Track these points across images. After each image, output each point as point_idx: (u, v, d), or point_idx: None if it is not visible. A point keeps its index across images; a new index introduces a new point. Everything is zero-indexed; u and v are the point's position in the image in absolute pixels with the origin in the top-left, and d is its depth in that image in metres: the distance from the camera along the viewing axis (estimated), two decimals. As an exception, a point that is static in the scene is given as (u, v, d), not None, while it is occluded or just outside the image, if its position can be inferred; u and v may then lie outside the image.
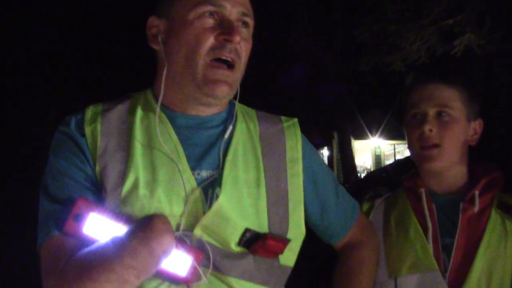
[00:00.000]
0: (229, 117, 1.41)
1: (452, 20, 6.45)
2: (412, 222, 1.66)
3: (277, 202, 1.35)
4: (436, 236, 1.61)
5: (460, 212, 1.62)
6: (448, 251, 1.58)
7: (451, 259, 1.57)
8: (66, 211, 1.16)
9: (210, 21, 1.28)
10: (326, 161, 23.59)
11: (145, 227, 1.08)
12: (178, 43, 1.30)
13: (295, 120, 1.51)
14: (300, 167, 1.43)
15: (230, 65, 1.28)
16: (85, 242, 1.14)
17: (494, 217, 1.62)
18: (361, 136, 19.64)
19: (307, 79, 14.79)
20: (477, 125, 1.71)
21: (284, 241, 1.32)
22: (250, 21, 1.34)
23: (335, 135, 18.71)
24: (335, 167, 20.71)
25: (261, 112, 1.51)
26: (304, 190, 1.43)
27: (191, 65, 1.27)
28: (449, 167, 1.67)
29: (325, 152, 24.38)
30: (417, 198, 1.69)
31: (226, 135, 1.37)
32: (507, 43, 6.28)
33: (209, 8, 1.28)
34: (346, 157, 15.31)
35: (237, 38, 1.26)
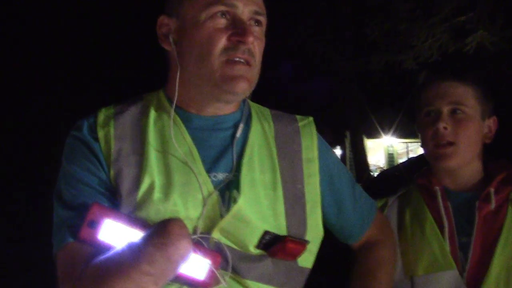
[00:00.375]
0: (243, 117, 1.39)
1: (464, 17, 6.41)
2: (428, 220, 1.65)
3: (295, 203, 1.34)
4: (453, 234, 1.60)
5: (476, 210, 1.60)
6: (465, 250, 1.57)
7: (469, 258, 1.56)
8: (80, 217, 1.14)
9: (222, 21, 1.27)
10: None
11: (161, 233, 1.06)
12: (190, 44, 1.28)
13: (311, 119, 1.49)
14: (316, 167, 1.41)
15: (246, 63, 1.27)
16: (101, 248, 1.12)
17: (511, 214, 1.61)
18: (373, 135, 19.54)
19: (318, 78, 14.76)
20: (491, 123, 1.70)
21: (303, 243, 1.30)
22: (263, 19, 1.33)
23: (348, 134, 18.62)
24: (348, 166, 20.60)
25: (276, 111, 1.49)
26: (321, 190, 1.41)
27: (206, 65, 1.26)
28: (464, 165, 1.66)
29: (337, 151, 24.29)
30: (432, 196, 1.68)
31: (241, 136, 1.35)
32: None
33: (221, 8, 1.26)
34: (358, 156, 15.24)
35: (250, 39, 1.25)
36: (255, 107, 1.46)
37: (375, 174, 17.01)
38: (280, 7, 10.78)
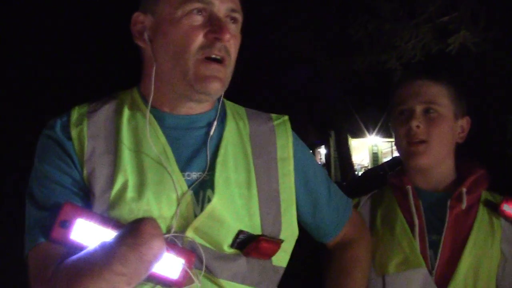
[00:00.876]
0: (218, 116, 1.39)
1: (447, 18, 6.45)
2: (399, 219, 1.66)
3: (269, 202, 1.34)
4: (423, 233, 1.62)
5: (447, 209, 1.62)
6: (435, 248, 1.59)
7: (438, 256, 1.58)
8: (52, 217, 1.13)
9: (198, 19, 1.26)
10: (323, 159, 23.60)
11: (134, 232, 1.05)
12: (166, 42, 1.27)
13: (286, 117, 1.49)
14: (291, 166, 1.41)
15: (220, 61, 1.26)
16: (73, 248, 1.11)
17: (481, 214, 1.63)
18: (358, 134, 19.67)
19: (303, 78, 14.79)
20: (464, 123, 1.72)
21: (277, 242, 1.30)
22: (239, 16, 1.32)
23: (332, 133, 18.71)
24: (332, 166, 20.72)
25: (251, 110, 1.49)
26: (296, 189, 1.41)
27: (181, 63, 1.25)
28: (436, 163, 1.67)
29: (322, 150, 24.40)
30: (404, 195, 1.69)
31: (216, 136, 1.35)
32: (501, 40, 6.29)
33: (197, 5, 1.25)
34: (343, 156, 15.34)
35: (226, 37, 1.25)
36: (230, 106, 1.46)
37: (360, 173, 17.11)
38: (265, 6, 10.79)
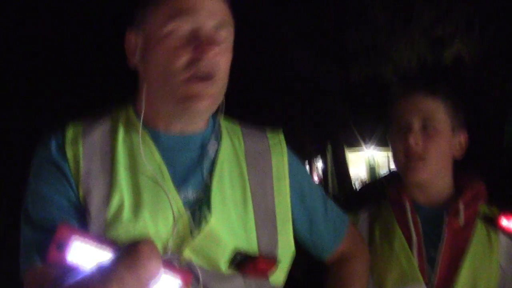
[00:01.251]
0: (213, 135, 1.38)
1: (442, 28, 6.50)
2: (397, 234, 1.65)
3: (265, 221, 1.34)
4: (421, 248, 1.60)
5: (445, 225, 1.62)
6: (433, 263, 1.57)
7: (436, 272, 1.56)
8: (48, 239, 1.11)
9: (183, 37, 1.24)
10: (320, 173, 23.56)
11: (131, 253, 1.02)
12: (153, 60, 1.26)
13: (282, 136, 1.48)
14: (287, 184, 1.41)
15: (208, 77, 1.23)
16: (70, 270, 1.09)
17: (479, 229, 1.61)
18: (355, 147, 19.68)
19: (299, 91, 14.83)
20: (461, 138, 1.70)
21: (275, 262, 1.30)
22: (227, 32, 1.29)
23: (329, 146, 18.72)
24: (329, 179, 20.69)
25: (246, 128, 1.47)
26: (292, 207, 1.41)
27: (168, 83, 1.24)
28: (434, 179, 1.66)
29: (319, 164, 24.38)
30: (402, 210, 1.68)
31: (211, 154, 1.34)
32: (495, 50, 6.34)
33: (182, 23, 1.24)
34: (340, 168, 15.32)
35: (210, 54, 1.22)
36: (225, 124, 1.44)
37: (357, 184, 17.10)
38: (261, 18, 10.85)
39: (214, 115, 1.37)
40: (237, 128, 1.44)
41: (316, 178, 23.78)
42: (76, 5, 10.54)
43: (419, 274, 1.56)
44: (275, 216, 1.35)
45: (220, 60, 1.25)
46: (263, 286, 1.29)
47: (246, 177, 1.34)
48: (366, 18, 7.24)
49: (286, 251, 1.35)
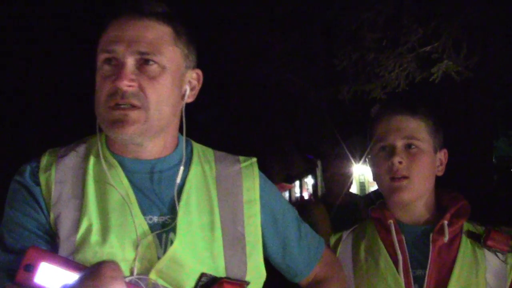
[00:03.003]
0: (183, 160, 1.41)
1: (430, 47, 6.55)
2: (382, 254, 1.66)
3: (234, 245, 1.36)
4: (407, 268, 1.61)
5: (430, 243, 1.62)
6: (420, 282, 1.58)
7: None
8: (18, 261, 1.14)
9: (107, 68, 1.30)
10: (310, 189, 23.55)
11: (94, 275, 1.07)
12: (95, 92, 1.33)
13: (254, 160, 1.52)
14: (257, 208, 1.43)
15: (133, 107, 1.27)
16: None
17: (464, 246, 1.63)
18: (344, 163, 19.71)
19: (288, 109, 14.87)
20: (442, 156, 1.73)
21: (241, 285, 1.32)
22: (156, 57, 1.31)
23: (319, 163, 18.72)
24: (319, 195, 20.67)
25: (220, 153, 1.52)
26: (263, 230, 1.44)
27: (98, 112, 1.31)
28: (418, 198, 1.68)
29: (309, 180, 24.36)
30: (386, 229, 1.69)
31: (178, 179, 1.37)
32: (483, 68, 6.40)
33: (105, 55, 1.30)
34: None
35: (123, 83, 1.25)
36: (198, 148, 1.48)
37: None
38: (249, 37, 10.89)
39: (187, 140, 1.45)
40: (210, 153, 1.49)
41: (306, 195, 23.77)
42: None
43: None
44: (244, 240, 1.38)
45: (144, 88, 1.27)
46: None
47: (215, 202, 1.38)
48: (354, 37, 7.28)
49: (255, 274, 1.39)
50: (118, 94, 1.27)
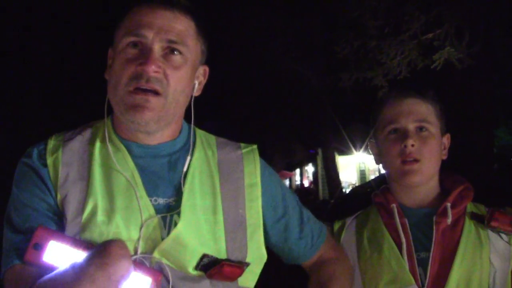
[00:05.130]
0: (187, 145, 1.44)
1: (432, 35, 6.53)
2: (386, 238, 1.66)
3: (235, 227, 1.39)
4: (411, 251, 1.61)
5: (433, 225, 1.62)
6: (424, 265, 1.58)
7: (428, 273, 1.57)
8: (27, 240, 1.17)
9: (132, 51, 1.32)
10: (311, 177, 23.60)
11: (102, 253, 1.09)
12: (111, 74, 1.35)
13: (254, 146, 1.55)
14: (259, 191, 1.46)
15: (155, 93, 1.30)
16: (46, 270, 1.14)
17: (468, 228, 1.63)
18: (345, 151, 19.70)
19: (290, 95, 14.85)
20: (445, 140, 1.73)
21: (241, 267, 1.35)
22: (182, 47, 1.35)
23: (319, 151, 18.74)
24: (320, 183, 20.73)
25: (221, 139, 1.55)
26: (264, 214, 1.47)
27: (116, 94, 1.31)
28: (426, 181, 1.68)
29: (309, 168, 24.41)
30: (389, 214, 1.69)
31: (182, 163, 1.40)
32: (485, 56, 6.38)
33: (132, 38, 1.31)
34: (330, 173, 15.34)
35: (151, 68, 1.28)
36: (200, 134, 1.51)
37: (347, 190, 17.12)
38: (250, 25, 10.86)
39: (189, 126, 1.47)
40: (212, 140, 1.52)
41: (306, 183, 23.82)
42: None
43: (411, 277, 1.58)
44: (245, 223, 1.41)
45: (167, 75, 1.31)
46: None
47: (218, 186, 1.40)
48: (356, 24, 7.26)
49: (256, 256, 1.42)
50: (143, 78, 1.28)
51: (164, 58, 1.32)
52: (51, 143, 1.36)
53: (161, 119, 1.33)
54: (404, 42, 6.76)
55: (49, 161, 1.32)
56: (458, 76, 6.67)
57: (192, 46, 1.38)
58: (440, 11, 6.23)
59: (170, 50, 1.33)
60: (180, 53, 1.34)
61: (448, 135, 1.75)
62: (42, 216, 1.26)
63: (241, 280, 1.38)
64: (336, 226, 1.80)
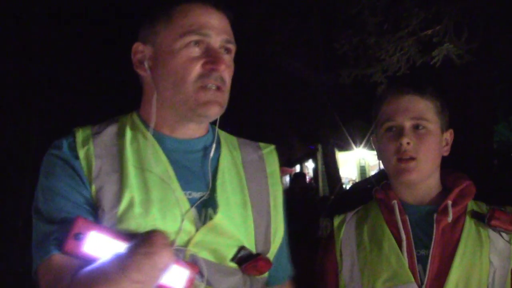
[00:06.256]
0: (214, 141, 1.49)
1: (431, 31, 6.52)
2: (386, 234, 1.66)
3: (261, 223, 1.43)
4: (411, 248, 1.61)
5: (434, 223, 1.62)
6: (424, 262, 1.58)
7: (427, 271, 1.57)
8: (64, 230, 1.18)
9: (196, 50, 1.36)
10: (311, 173, 23.59)
11: (147, 242, 1.11)
12: (166, 71, 1.36)
13: (273, 147, 1.61)
14: (280, 191, 1.53)
15: (218, 88, 1.36)
16: (86, 261, 1.16)
17: (468, 226, 1.63)
18: (345, 147, 19.69)
19: (289, 92, 14.83)
20: (448, 136, 1.73)
21: (270, 262, 1.40)
22: (233, 46, 1.43)
23: (319, 147, 18.72)
24: (320, 180, 20.72)
25: (242, 140, 1.60)
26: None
27: (182, 91, 1.34)
28: (424, 178, 1.67)
29: (309, 164, 24.39)
30: (390, 210, 1.69)
31: (213, 158, 1.45)
32: (484, 52, 6.37)
33: (195, 37, 1.35)
34: (330, 169, 15.33)
35: (222, 67, 1.35)
36: (223, 135, 1.56)
37: (348, 186, 17.11)
38: (252, 22, 10.84)
39: (211, 124, 1.51)
40: (234, 140, 1.57)
41: (307, 179, 23.80)
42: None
43: (410, 274, 1.58)
44: (270, 221, 1.45)
45: (226, 73, 1.38)
46: (254, 280, 1.39)
47: (245, 183, 1.45)
48: (355, 21, 7.25)
49: (273, 254, 1.46)
50: (212, 76, 1.35)
51: None
52: (80, 136, 1.37)
53: (220, 113, 1.41)
54: (403, 38, 6.76)
55: (81, 153, 1.33)
56: (457, 72, 6.66)
57: (234, 43, 1.45)
58: (439, 8, 6.22)
59: (224, 49, 1.40)
60: (231, 52, 1.43)
61: (451, 131, 1.74)
62: (77, 206, 1.26)
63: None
64: (337, 221, 1.80)
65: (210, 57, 1.35)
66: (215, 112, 1.37)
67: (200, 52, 1.36)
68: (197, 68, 1.34)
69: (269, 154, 1.58)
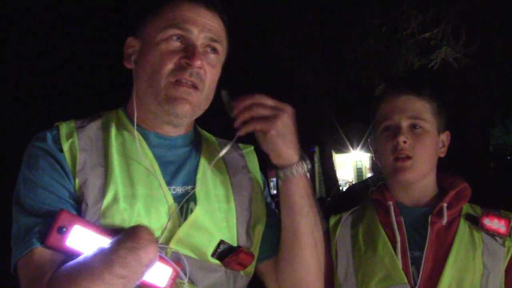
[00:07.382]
0: (196, 138, 1.50)
1: (429, 34, 6.53)
2: (381, 235, 1.67)
3: (243, 217, 1.43)
4: (405, 249, 1.62)
5: (428, 225, 1.63)
6: (418, 264, 1.59)
7: (421, 272, 1.58)
8: (47, 224, 1.15)
9: (175, 44, 1.34)
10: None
11: (132, 237, 1.10)
12: (145, 63, 1.35)
13: (252, 147, 1.60)
14: (261, 186, 1.53)
15: (191, 86, 1.33)
16: (69, 255, 1.14)
17: (462, 229, 1.64)
18: (342, 149, 19.68)
19: (286, 95, 14.82)
20: (445, 137, 1.73)
21: (253, 255, 1.39)
22: (220, 47, 1.40)
23: (316, 149, 18.71)
24: (317, 181, 20.69)
25: (221, 139, 1.59)
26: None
27: (154, 84, 1.32)
28: (420, 178, 1.68)
29: (306, 166, 24.31)
30: (385, 211, 1.70)
31: (195, 154, 1.45)
32: (482, 56, 6.39)
33: (176, 31, 1.34)
34: (327, 171, 15.31)
35: (197, 63, 1.32)
36: (203, 132, 1.56)
37: (344, 188, 17.10)
38: (250, 24, 10.84)
39: (194, 125, 1.51)
40: (213, 139, 1.57)
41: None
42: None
43: (403, 275, 1.59)
44: (251, 214, 1.45)
45: (207, 72, 1.35)
46: (238, 276, 1.39)
47: (228, 178, 1.45)
48: (353, 24, 7.26)
49: (257, 247, 1.46)
50: (187, 71, 1.32)
51: (203, 55, 1.36)
52: (63, 129, 1.35)
53: (194, 113, 1.38)
54: (401, 41, 6.77)
55: (65, 146, 1.31)
56: (455, 75, 6.68)
57: (225, 45, 1.44)
58: (437, 11, 6.23)
59: (210, 48, 1.38)
60: (217, 52, 1.40)
61: (447, 133, 1.75)
62: (60, 199, 1.24)
63: (244, 270, 1.40)
64: (332, 220, 1.80)
65: (187, 52, 1.33)
66: (184, 110, 1.34)
67: (179, 47, 1.34)
68: (173, 61, 1.32)
69: (250, 153, 1.58)
